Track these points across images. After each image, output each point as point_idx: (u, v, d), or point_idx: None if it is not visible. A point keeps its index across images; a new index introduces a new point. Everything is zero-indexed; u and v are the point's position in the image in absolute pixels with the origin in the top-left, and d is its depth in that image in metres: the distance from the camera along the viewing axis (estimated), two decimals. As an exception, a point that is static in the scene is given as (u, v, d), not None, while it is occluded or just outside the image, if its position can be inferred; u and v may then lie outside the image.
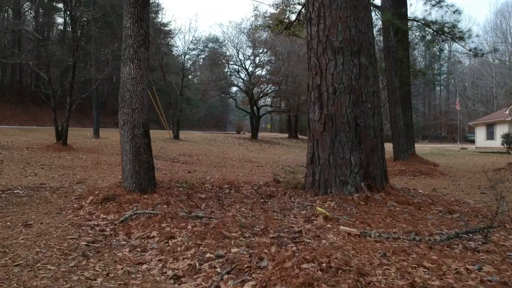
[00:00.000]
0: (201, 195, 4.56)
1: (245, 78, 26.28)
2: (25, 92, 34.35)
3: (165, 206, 3.90)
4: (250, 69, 26.30)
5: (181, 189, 4.69)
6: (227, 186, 5.20)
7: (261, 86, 27.41)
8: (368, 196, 4.04)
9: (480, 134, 34.12)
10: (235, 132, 35.96)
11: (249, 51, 27.79)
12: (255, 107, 26.08)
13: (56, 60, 17.24)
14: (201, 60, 28.47)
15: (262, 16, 35.03)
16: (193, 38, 34.03)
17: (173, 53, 48.46)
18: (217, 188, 5.06)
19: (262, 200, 4.34)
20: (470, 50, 10.98)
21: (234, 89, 36.78)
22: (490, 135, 32.28)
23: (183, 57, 19.66)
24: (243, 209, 4.06)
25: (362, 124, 4.26)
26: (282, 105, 31.28)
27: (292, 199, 4.28)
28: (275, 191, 4.88)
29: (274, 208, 3.98)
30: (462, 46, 11.07)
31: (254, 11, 32.31)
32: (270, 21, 23.73)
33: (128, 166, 4.42)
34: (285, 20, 15.25)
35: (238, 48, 25.73)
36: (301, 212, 3.82)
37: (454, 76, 62.49)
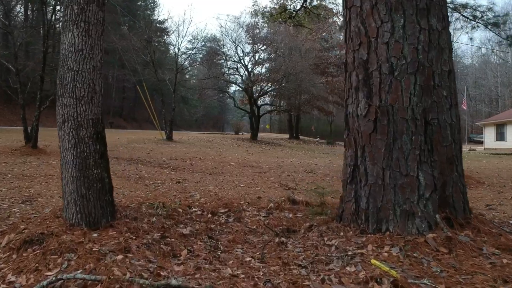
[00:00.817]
0: (183, 230, 2.99)
1: (243, 76, 24.70)
2: (13, 91, 32.68)
3: (119, 257, 2.34)
4: (250, 66, 24.72)
5: (154, 219, 3.12)
6: (223, 211, 3.64)
7: (261, 85, 25.81)
8: (450, 237, 2.49)
9: (489, 135, 32.64)
10: (233, 133, 34.41)
11: (248, 48, 26.24)
12: (255, 106, 24.48)
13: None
14: (199, 59, 26.84)
15: (262, 11, 33.53)
16: (191, 37, 32.33)
17: (170, 51, 46.97)
18: (209, 215, 3.50)
19: (277, 240, 2.78)
20: (507, 37, 9.48)
21: (232, 89, 35.26)
22: (500, 136, 30.84)
23: (176, 51, 18.08)
24: (248, 258, 2.50)
25: (435, 122, 2.72)
26: (283, 104, 29.67)
27: (326, 239, 2.72)
28: (293, 220, 3.32)
29: (300, 259, 2.42)
30: (496, 34, 9.55)
31: (253, 5, 30.74)
32: (271, 14, 22.25)
33: (70, 186, 2.85)
34: (290, 7, 13.69)
35: (236, 44, 24.14)
36: (347, 268, 2.26)
37: (457, 75, 61.15)
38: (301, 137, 33.01)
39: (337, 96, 30.95)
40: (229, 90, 34.87)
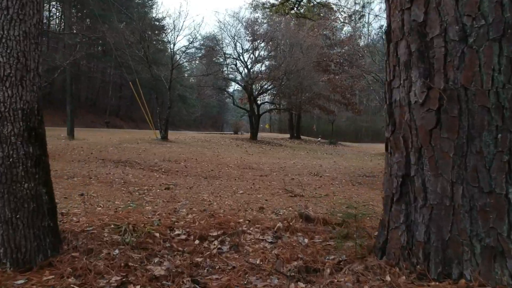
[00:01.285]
0: (156, 269, 2.08)
1: (243, 73, 23.75)
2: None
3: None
4: (249, 63, 23.74)
5: (116, 251, 2.22)
6: (216, 234, 2.73)
7: (261, 83, 24.87)
8: None
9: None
10: (232, 133, 33.54)
11: (247, 44, 25.23)
12: (254, 105, 23.54)
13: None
14: (197, 56, 25.81)
15: (261, 8, 32.60)
16: (189, 36, 31.40)
17: (169, 50, 46.13)
18: (197, 241, 2.59)
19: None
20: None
21: (232, 89, 34.33)
22: None
23: (172, 46, 17.14)
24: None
25: (531, 113, 1.81)
26: (283, 103, 28.70)
27: (366, 288, 1.82)
28: (312, 250, 2.41)
29: (334, 329, 1.53)
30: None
31: (253, 1, 29.70)
32: (270, 13, 21.40)
33: (-11, 208, 1.95)
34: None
35: (236, 39, 23.20)
36: None
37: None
38: (302, 136, 32.09)
39: (339, 95, 30.08)
40: (228, 90, 33.99)
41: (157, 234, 2.56)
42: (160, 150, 12.61)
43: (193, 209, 4.60)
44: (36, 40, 2.06)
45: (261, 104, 25.90)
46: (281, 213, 4.67)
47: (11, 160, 1.94)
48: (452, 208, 1.81)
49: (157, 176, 7.49)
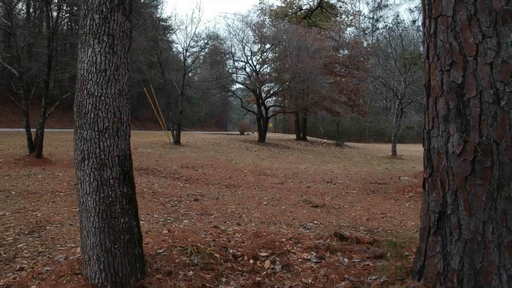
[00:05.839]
0: (228, 289, 2.45)
1: (252, 76, 24.06)
2: (16, 96, 32.10)
3: None
4: (257, 66, 24.07)
5: (191, 272, 2.59)
6: (266, 254, 3.10)
7: (269, 85, 25.24)
8: None
9: None
10: (238, 133, 33.95)
11: (255, 47, 25.59)
12: (263, 107, 23.88)
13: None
14: (201, 57, 26.16)
15: (268, 11, 32.90)
16: (194, 35, 31.77)
17: (173, 50, 46.49)
18: (251, 261, 2.96)
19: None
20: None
21: (235, 87, 34.71)
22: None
23: (184, 52, 17.49)
24: None
25: (553, 165, 2.16)
26: (287, 104, 29.02)
27: (413, 310, 2.18)
28: (355, 271, 2.77)
29: None
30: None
31: (260, 3, 29.90)
32: (286, 15, 21.69)
33: (92, 239, 2.32)
34: (305, 6, 13.05)
35: (244, 43, 23.55)
36: None
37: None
38: (308, 137, 32.43)
39: (345, 97, 30.38)
40: (232, 89, 34.37)
41: (217, 255, 2.93)
42: (175, 155, 12.99)
43: (227, 222, 4.98)
44: (127, 96, 2.42)
45: (269, 107, 26.23)
46: (309, 227, 5.04)
47: (110, 199, 2.31)
48: (483, 243, 2.17)
49: (181, 185, 7.87)
